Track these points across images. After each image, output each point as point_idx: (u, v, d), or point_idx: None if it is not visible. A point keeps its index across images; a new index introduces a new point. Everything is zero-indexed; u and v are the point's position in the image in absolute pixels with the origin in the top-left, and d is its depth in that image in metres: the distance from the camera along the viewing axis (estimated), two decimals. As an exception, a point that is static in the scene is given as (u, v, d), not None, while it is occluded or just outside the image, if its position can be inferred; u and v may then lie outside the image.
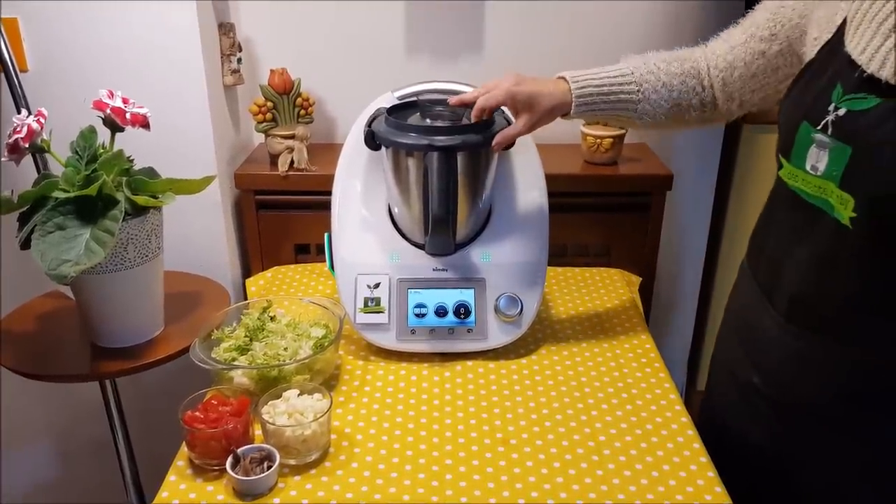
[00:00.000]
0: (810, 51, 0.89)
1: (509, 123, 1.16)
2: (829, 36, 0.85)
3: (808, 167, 0.83)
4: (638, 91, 1.05)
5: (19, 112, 1.25)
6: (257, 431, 0.98)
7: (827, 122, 0.80)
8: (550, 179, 1.26)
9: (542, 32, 1.66)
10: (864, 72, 0.78)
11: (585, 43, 1.67)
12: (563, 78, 1.07)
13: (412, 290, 1.18)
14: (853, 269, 0.83)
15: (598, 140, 1.58)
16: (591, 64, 1.62)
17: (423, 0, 1.62)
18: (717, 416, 1.10)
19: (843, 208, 0.79)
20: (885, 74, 0.76)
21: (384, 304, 1.17)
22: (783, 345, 0.92)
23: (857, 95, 0.78)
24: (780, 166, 0.90)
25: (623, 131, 1.59)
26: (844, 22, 0.83)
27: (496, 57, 1.68)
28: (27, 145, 1.10)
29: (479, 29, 1.65)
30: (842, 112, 0.79)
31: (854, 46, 0.80)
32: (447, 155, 1.07)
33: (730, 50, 1.02)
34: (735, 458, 1.02)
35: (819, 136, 0.81)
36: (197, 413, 0.96)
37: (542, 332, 1.26)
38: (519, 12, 1.64)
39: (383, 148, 1.15)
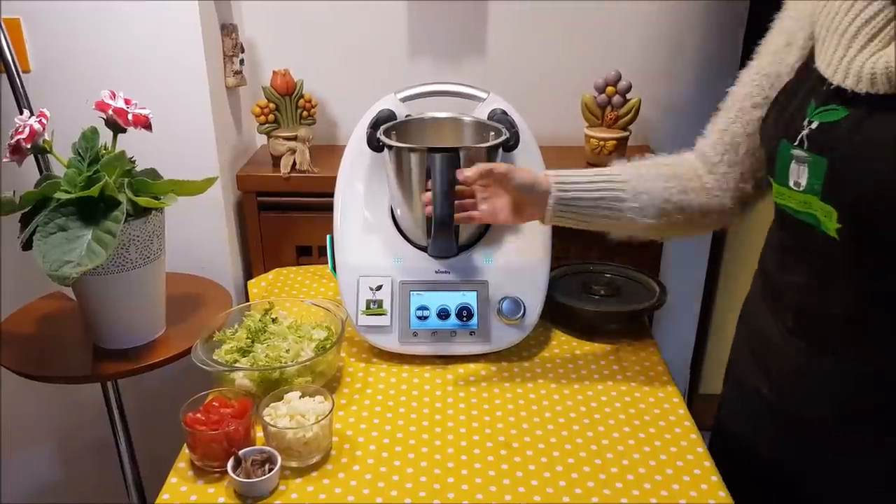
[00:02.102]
0: (788, 76, 0.90)
1: (511, 130, 1.16)
2: (804, 58, 0.88)
3: (791, 183, 0.84)
4: (624, 183, 1.00)
5: (21, 113, 1.25)
6: (259, 433, 0.98)
7: (802, 136, 0.82)
8: (553, 181, 1.25)
9: (544, 34, 1.66)
10: (832, 84, 0.79)
11: (588, 44, 1.67)
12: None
13: (414, 293, 1.18)
14: (848, 282, 0.83)
15: (602, 142, 1.58)
16: (592, 64, 1.64)
17: (426, 1, 1.62)
18: (726, 424, 1.10)
19: (829, 221, 0.80)
20: (849, 84, 0.77)
21: (386, 306, 1.17)
22: (790, 356, 0.92)
23: (827, 108, 0.80)
24: (771, 186, 0.90)
25: (627, 133, 1.59)
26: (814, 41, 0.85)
27: (499, 59, 1.68)
28: (29, 146, 1.10)
29: (481, 31, 1.65)
30: (815, 125, 0.80)
31: (821, 61, 0.82)
32: (450, 156, 1.06)
33: (725, 130, 0.99)
34: (743, 467, 1.01)
35: (797, 152, 0.82)
36: (198, 415, 0.96)
37: (545, 335, 1.26)
38: (522, 14, 1.64)
39: (386, 149, 1.14)
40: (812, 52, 0.86)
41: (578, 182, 1.01)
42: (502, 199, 1.03)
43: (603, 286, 1.31)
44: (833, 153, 0.78)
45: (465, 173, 1.00)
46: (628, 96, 1.58)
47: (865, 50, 0.76)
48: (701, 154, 1.02)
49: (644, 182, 1.01)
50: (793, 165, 0.83)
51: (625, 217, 1.01)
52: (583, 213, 1.01)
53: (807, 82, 0.85)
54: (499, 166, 1.01)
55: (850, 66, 0.77)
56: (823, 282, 0.85)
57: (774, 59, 0.92)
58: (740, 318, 1.08)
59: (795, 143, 0.82)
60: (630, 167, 1.04)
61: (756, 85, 0.95)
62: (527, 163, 1.23)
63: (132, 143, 1.17)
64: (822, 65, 0.81)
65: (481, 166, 1.00)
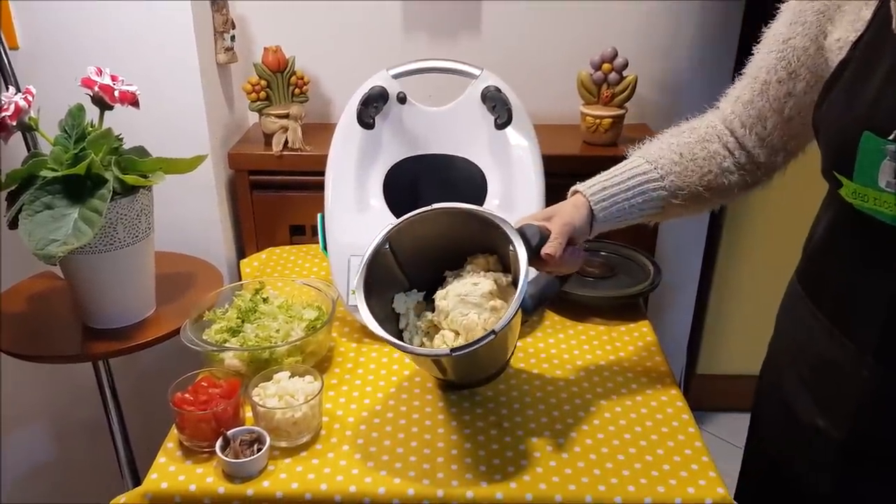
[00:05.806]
0: (836, 54, 0.79)
1: (505, 107, 1.14)
2: (860, 33, 0.76)
3: (882, 184, 0.72)
4: (655, 169, 0.94)
5: (7, 90, 1.23)
6: (248, 414, 0.97)
7: None
8: (548, 160, 1.24)
9: (540, 11, 1.63)
10: None
11: (584, 21, 1.64)
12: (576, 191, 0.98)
13: (406, 272, 1.16)
14: None
15: (598, 120, 1.56)
16: (588, 40, 1.62)
17: (420, -23, 1.59)
18: (767, 455, 1.00)
19: None
20: None
21: (378, 285, 1.16)
22: (867, 384, 0.81)
23: None
24: (839, 184, 0.77)
25: (623, 111, 1.57)
26: (875, 16, 0.75)
27: (494, 36, 1.65)
28: (14, 123, 1.08)
29: (476, 7, 1.63)
30: None
31: None
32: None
33: (749, 103, 0.91)
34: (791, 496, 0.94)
35: (895, 148, 0.70)
36: (186, 395, 0.95)
37: (539, 318, 1.25)
38: (518, -10, 1.61)
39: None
40: (879, 26, 0.73)
41: (616, 194, 0.94)
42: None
43: (597, 266, 1.29)
44: None
45: (550, 251, 0.90)
46: (624, 73, 1.56)
47: None
48: (728, 127, 0.94)
49: (682, 178, 0.94)
50: (885, 163, 0.71)
51: (670, 213, 0.97)
52: (628, 211, 0.96)
53: (883, 62, 0.72)
54: (562, 232, 0.92)
55: None
56: None
57: (803, 28, 0.82)
58: (781, 336, 0.98)
59: (891, 137, 0.70)
60: (663, 160, 0.95)
61: (779, 57, 0.85)
62: (520, 141, 1.21)
63: (122, 121, 1.16)
64: None
65: (560, 240, 0.91)
